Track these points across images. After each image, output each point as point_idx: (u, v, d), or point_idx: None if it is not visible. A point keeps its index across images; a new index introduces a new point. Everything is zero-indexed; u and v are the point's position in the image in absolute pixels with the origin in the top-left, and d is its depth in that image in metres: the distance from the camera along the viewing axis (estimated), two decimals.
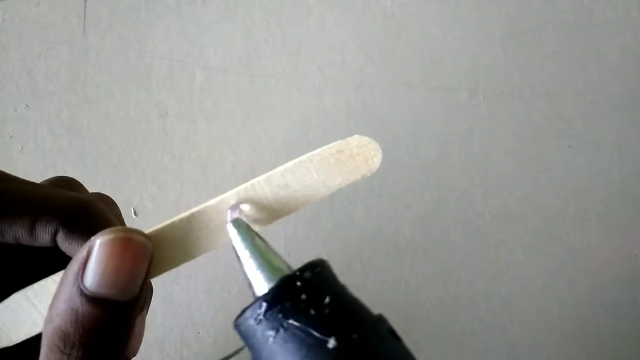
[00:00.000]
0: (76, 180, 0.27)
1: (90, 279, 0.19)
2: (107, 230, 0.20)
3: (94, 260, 0.19)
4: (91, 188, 0.29)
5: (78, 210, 0.23)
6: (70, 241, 0.22)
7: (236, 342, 0.45)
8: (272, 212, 0.22)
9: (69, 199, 0.23)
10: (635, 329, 0.44)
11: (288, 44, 0.52)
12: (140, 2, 0.54)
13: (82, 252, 0.20)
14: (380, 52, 0.51)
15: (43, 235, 0.22)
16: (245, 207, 0.22)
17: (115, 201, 0.26)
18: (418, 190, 0.48)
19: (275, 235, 0.47)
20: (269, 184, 0.22)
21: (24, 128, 0.50)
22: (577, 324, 0.44)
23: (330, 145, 0.23)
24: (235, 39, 0.52)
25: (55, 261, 0.23)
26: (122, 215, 0.28)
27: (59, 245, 0.23)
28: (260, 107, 0.49)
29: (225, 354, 0.45)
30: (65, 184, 0.26)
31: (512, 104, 0.50)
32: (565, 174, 0.48)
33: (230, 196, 0.22)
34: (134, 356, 0.25)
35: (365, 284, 0.46)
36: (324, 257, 0.53)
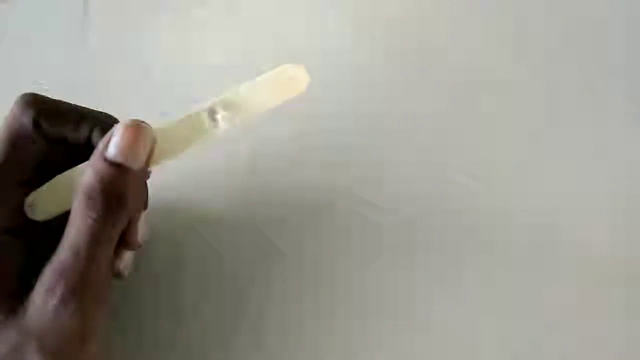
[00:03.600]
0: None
1: (112, 150, 0.29)
2: (125, 120, 0.30)
3: (115, 137, 0.29)
4: None
5: (111, 118, 0.34)
6: (100, 137, 0.31)
7: (237, 343, 0.45)
8: (249, 110, 0.33)
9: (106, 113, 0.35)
10: (635, 329, 0.44)
11: (288, 45, 0.52)
12: (140, 3, 0.54)
13: (108, 134, 0.29)
14: (380, 53, 0.52)
15: (84, 132, 0.32)
16: (223, 112, 0.32)
17: None
18: (417, 190, 0.48)
19: (274, 235, 0.47)
20: (238, 95, 0.33)
21: None
22: (578, 323, 0.44)
23: (271, 71, 0.33)
24: (234, 39, 0.52)
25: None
26: None
27: (93, 140, 0.32)
28: None
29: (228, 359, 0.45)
30: None
31: (512, 104, 0.50)
32: (565, 173, 0.48)
33: (212, 102, 0.32)
34: (139, 246, 0.34)
35: (366, 285, 0.46)
36: (324, 258, 0.53)
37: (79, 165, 0.31)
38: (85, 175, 0.28)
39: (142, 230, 0.34)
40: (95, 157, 0.29)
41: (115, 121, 0.33)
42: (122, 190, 0.28)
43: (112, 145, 0.29)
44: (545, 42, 0.52)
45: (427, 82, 0.51)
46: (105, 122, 0.33)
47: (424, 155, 0.49)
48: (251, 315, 0.45)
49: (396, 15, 0.53)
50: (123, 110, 0.41)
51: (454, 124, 0.50)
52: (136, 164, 0.29)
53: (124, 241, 0.32)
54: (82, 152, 0.31)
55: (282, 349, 0.44)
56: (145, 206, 0.35)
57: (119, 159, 0.28)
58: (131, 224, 0.32)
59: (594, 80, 0.50)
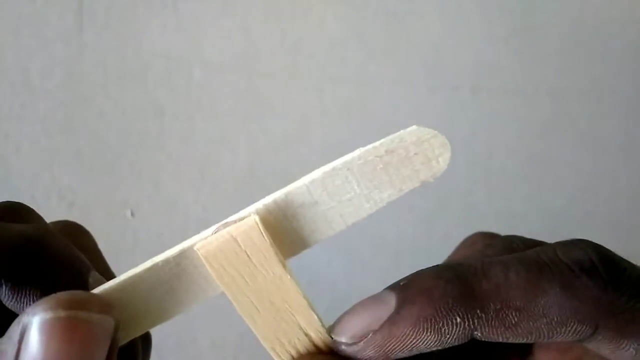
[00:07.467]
0: (25, 207, 0.20)
1: None
2: (44, 301, 0.14)
3: (29, 347, 0.14)
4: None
5: (25, 251, 0.17)
6: (19, 297, 0.17)
7: (233, 345, 0.45)
8: (296, 241, 0.16)
9: (13, 237, 0.17)
10: None
11: (287, 41, 0.51)
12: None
13: (15, 333, 0.14)
14: (382, 50, 0.51)
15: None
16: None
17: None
18: (420, 191, 0.47)
19: None
20: (290, 203, 0.16)
21: (18, 127, 0.50)
22: None
23: (376, 144, 0.16)
24: (233, 36, 0.52)
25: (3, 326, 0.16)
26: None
27: (4, 303, 0.17)
28: (259, 105, 0.49)
29: (223, 359, 0.44)
30: (10, 213, 0.19)
31: (516, 103, 0.50)
32: (569, 173, 0.48)
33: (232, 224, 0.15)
34: None
35: (367, 286, 0.45)
36: (325, 259, 0.52)
37: None
38: None
39: None
40: None
41: (37, 251, 0.18)
42: None
43: None
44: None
45: (430, 82, 0.50)
46: (18, 261, 0.17)
47: None
48: None
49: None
50: (119, 109, 0.40)
51: (457, 124, 0.49)
52: None
53: None
54: None
55: None
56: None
57: None
58: None
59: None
